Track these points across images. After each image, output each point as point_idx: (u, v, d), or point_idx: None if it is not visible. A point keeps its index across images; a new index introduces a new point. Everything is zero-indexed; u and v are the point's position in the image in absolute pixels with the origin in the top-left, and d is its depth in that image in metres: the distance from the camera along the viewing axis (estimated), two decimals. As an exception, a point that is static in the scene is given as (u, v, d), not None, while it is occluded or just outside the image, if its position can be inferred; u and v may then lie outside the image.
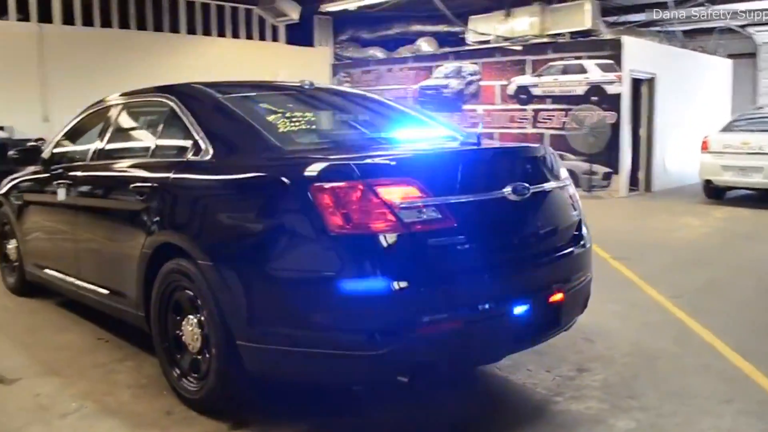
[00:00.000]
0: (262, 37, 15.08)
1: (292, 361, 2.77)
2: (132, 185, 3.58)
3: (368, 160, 2.73)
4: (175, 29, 13.74)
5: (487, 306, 2.74)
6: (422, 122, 3.96)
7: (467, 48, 13.46)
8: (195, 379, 3.21)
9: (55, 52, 11.81)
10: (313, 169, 2.69)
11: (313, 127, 3.67)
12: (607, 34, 11.66)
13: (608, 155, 11.44)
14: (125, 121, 4.11)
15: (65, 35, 12.10)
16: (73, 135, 4.71)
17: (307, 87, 3.91)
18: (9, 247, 5.36)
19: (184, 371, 3.28)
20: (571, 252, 3.26)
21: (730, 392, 3.43)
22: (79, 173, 4.21)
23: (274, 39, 15.29)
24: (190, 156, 3.34)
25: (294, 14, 12.48)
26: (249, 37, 14.87)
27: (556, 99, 12.06)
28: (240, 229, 2.95)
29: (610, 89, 11.35)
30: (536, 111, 12.35)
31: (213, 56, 13.90)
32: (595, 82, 11.52)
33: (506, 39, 12.80)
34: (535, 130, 12.39)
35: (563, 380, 3.60)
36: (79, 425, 3.14)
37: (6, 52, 11.32)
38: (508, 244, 2.94)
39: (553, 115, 12.14)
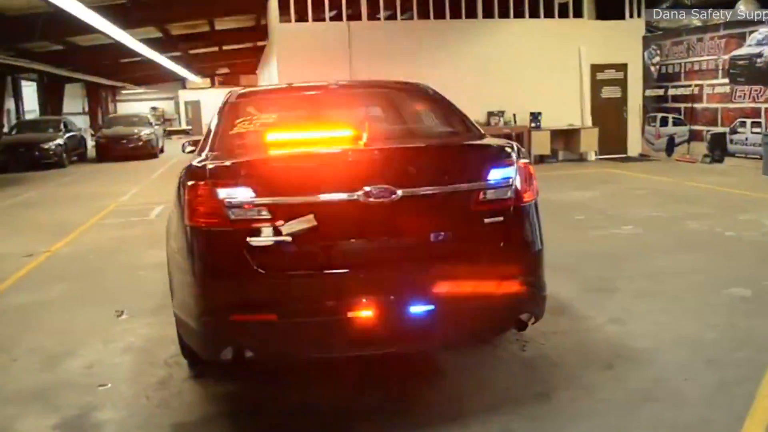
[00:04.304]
0: (564, 15, 14.71)
1: (180, 327, 3.30)
2: None
3: (216, 163, 3.04)
4: (472, 15, 14.35)
5: (306, 305, 2.85)
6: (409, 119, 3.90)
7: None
8: None
9: (360, 45, 13.51)
10: (187, 169, 3.13)
11: (260, 129, 3.88)
12: None
13: None
14: None
15: (369, 29, 13.73)
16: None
17: (332, 86, 4.19)
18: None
19: None
20: (467, 262, 3.02)
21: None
22: None
23: (577, 15, 14.78)
24: None
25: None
26: (549, 15, 14.66)
27: None
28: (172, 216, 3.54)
29: None
30: None
31: (508, 39, 14.19)
32: None
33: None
34: None
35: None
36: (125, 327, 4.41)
37: (323, 47, 13.37)
38: (353, 247, 2.93)
39: None
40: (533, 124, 14.29)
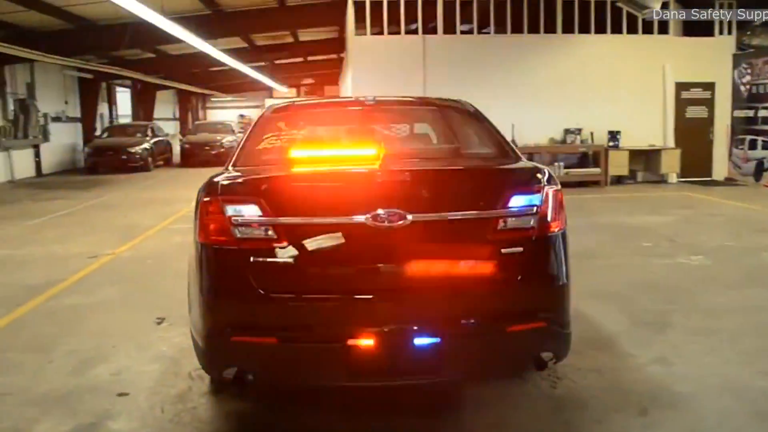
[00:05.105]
0: (648, 30, 14.10)
1: (192, 341, 3.29)
2: None
3: (228, 180, 3.01)
4: (551, 30, 13.98)
5: (307, 330, 2.76)
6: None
7: None
8: None
9: (435, 60, 13.41)
10: (205, 184, 3.12)
11: (284, 143, 3.82)
12: None
13: None
14: None
15: (445, 43, 13.61)
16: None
17: (368, 102, 4.12)
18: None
19: None
20: (479, 294, 2.86)
21: None
22: None
23: (662, 31, 14.14)
24: None
25: (656, 5, 11.41)
26: (632, 31, 14.08)
27: None
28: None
29: None
30: None
31: (589, 54, 13.76)
32: None
33: None
34: None
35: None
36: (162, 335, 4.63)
37: (397, 60, 13.37)
38: (358, 272, 2.82)
39: None
40: (611, 143, 13.76)
